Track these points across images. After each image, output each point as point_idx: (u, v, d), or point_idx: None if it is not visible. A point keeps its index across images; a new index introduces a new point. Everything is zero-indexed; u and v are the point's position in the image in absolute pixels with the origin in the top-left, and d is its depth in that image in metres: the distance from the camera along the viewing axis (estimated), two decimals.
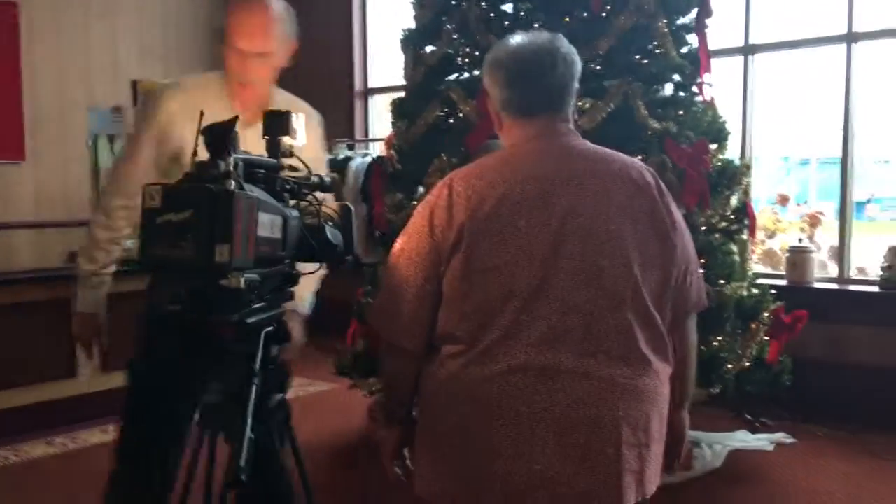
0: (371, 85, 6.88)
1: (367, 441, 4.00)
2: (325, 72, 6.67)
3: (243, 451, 1.28)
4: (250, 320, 1.43)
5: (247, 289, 1.31)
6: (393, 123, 3.93)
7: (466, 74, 3.74)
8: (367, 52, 6.85)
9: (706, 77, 3.46)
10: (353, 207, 1.73)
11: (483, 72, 1.66)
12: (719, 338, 3.27)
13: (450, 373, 1.54)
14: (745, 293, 3.44)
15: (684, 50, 3.46)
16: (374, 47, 6.86)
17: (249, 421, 1.34)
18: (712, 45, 3.54)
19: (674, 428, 1.70)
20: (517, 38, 1.64)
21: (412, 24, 3.88)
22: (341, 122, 6.67)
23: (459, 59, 3.72)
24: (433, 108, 3.66)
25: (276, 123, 1.57)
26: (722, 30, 4.35)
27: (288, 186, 1.56)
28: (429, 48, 3.78)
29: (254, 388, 1.41)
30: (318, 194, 1.65)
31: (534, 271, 1.50)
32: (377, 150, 6.22)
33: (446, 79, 3.73)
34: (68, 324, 2.09)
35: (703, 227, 3.31)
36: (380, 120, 6.77)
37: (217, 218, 1.24)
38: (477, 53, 3.62)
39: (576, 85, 1.64)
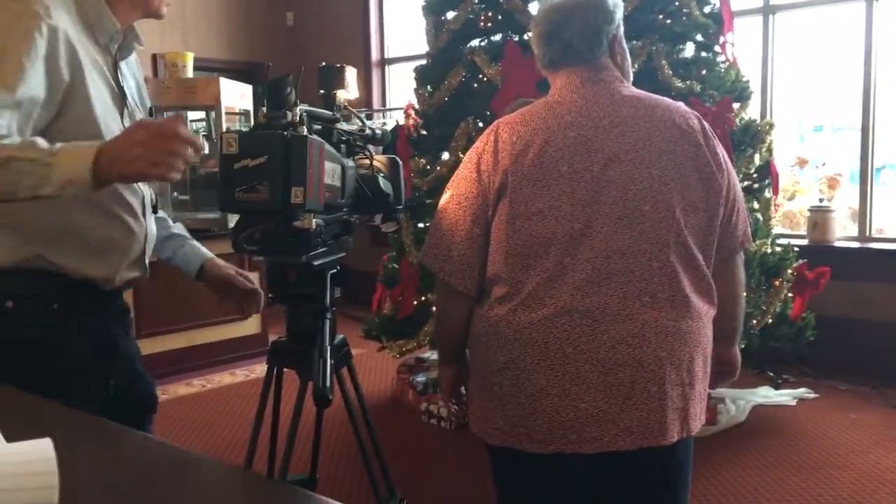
0: (388, 55, 6.90)
1: (396, 401, 4.09)
2: (342, 42, 6.71)
3: (327, 374, 1.37)
4: (316, 262, 1.50)
5: (315, 231, 1.38)
6: (416, 90, 3.97)
7: (489, 39, 3.77)
8: (383, 22, 6.86)
9: (729, 36, 3.48)
10: (400, 161, 1.79)
11: (532, 27, 1.72)
12: (743, 294, 3.31)
13: (498, 315, 1.60)
14: (768, 251, 3.48)
15: (707, 10, 3.48)
16: (390, 17, 6.86)
17: (328, 348, 1.43)
18: (734, 4, 3.56)
19: (727, 362, 1.77)
20: None
21: None
22: (360, 92, 6.70)
23: (481, 23, 3.74)
24: (457, 73, 3.70)
25: (331, 77, 1.63)
26: None
27: (344, 138, 1.63)
28: (451, 14, 3.81)
29: (327, 321, 1.50)
30: (370, 147, 1.71)
31: (576, 216, 1.55)
32: (395, 119, 6.26)
33: (469, 44, 3.76)
34: None
35: None
36: (398, 90, 6.80)
37: (291, 162, 1.30)
38: (500, 17, 3.65)
39: (610, 31, 1.67)
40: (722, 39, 3.46)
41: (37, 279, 1.46)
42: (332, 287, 1.60)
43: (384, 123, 6.28)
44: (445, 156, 3.78)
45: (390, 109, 6.66)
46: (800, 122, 5.38)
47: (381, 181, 1.67)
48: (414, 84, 4.01)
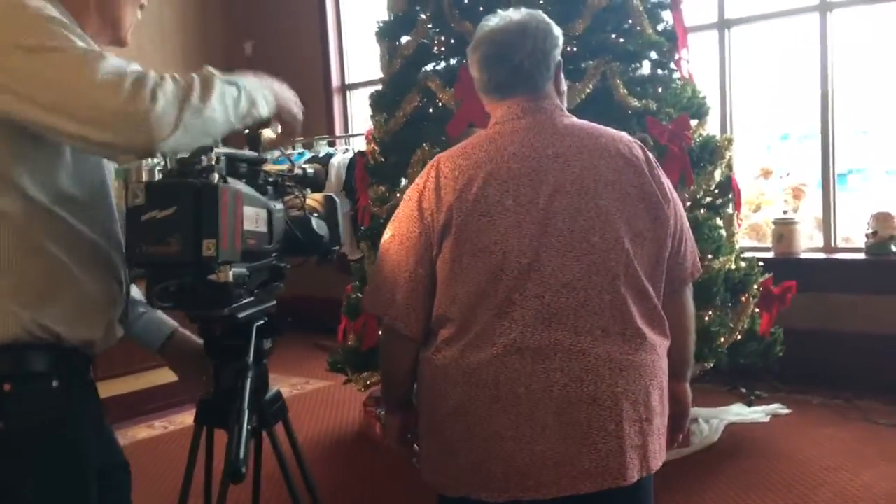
0: (349, 80, 6.85)
1: (363, 436, 3.99)
2: (302, 68, 6.65)
3: (242, 443, 1.27)
4: (241, 315, 1.42)
5: (235, 283, 1.29)
6: (372, 117, 3.91)
7: (443, 63, 3.72)
8: (342, 48, 6.83)
9: (684, 53, 3.45)
10: (337, 199, 1.72)
11: (470, 51, 1.66)
12: (710, 312, 3.27)
13: (446, 357, 1.54)
14: (733, 267, 3.44)
15: (660, 27, 3.46)
16: (350, 42, 6.82)
17: (246, 413, 1.33)
18: (687, 20, 3.54)
19: (678, 401, 1.71)
20: (494, 19, 1.63)
21: (386, 16, 3.86)
22: (320, 119, 6.65)
23: (435, 48, 3.70)
24: (412, 99, 3.64)
25: None
26: (696, 5, 4.35)
27: (271, 179, 1.55)
28: (404, 39, 3.76)
29: (248, 380, 1.40)
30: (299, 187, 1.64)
31: (524, 250, 1.49)
32: (358, 145, 6.20)
33: (423, 69, 3.71)
34: None
35: (688, 203, 3.30)
36: (360, 115, 6.75)
37: (202, 212, 1.22)
38: (452, 41, 3.60)
39: (556, 57, 1.63)
40: (677, 56, 3.44)
41: (28, 352, 1.28)
42: (261, 339, 1.51)
43: (346, 150, 6.21)
44: (404, 182, 3.71)
45: (352, 136, 6.60)
46: (766, 131, 5.39)
47: (315, 222, 1.60)
48: (369, 110, 3.95)
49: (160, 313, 1.65)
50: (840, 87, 4.51)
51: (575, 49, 3.26)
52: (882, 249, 4.25)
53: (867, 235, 4.33)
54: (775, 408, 3.94)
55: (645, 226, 1.56)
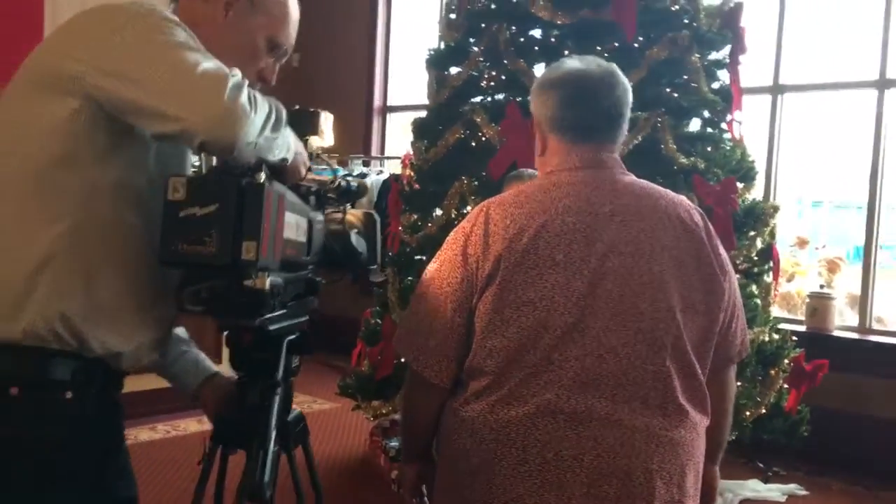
0: (390, 102, 6.84)
1: (367, 465, 3.90)
2: (346, 85, 6.64)
3: (267, 466, 1.20)
4: (272, 327, 1.32)
5: (270, 292, 1.21)
6: (413, 143, 3.87)
7: (491, 98, 3.67)
8: (388, 69, 6.81)
9: (737, 114, 3.38)
10: (377, 217, 1.65)
11: (533, 93, 1.60)
12: (738, 383, 3.16)
13: (475, 411, 1.45)
14: (766, 338, 3.34)
15: (715, 85, 3.39)
16: (395, 64, 6.82)
17: (273, 434, 1.26)
18: (744, 82, 3.47)
19: (706, 483, 1.60)
20: (574, 62, 1.58)
21: (438, 45, 3.83)
22: (357, 138, 6.62)
23: (484, 82, 3.66)
24: (455, 130, 3.58)
25: (303, 122, 1.48)
26: (752, 67, 4.29)
27: (313, 190, 1.48)
28: (454, 69, 3.72)
29: (276, 398, 1.32)
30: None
31: (569, 309, 1.41)
32: (392, 168, 6.16)
33: (470, 101, 3.66)
34: None
35: None
36: (396, 138, 6.72)
37: (245, 212, 1.15)
38: (503, 77, 3.56)
39: (628, 115, 1.57)
40: (729, 117, 3.37)
41: (46, 357, 1.23)
42: (289, 356, 1.43)
43: (380, 171, 6.18)
44: (438, 212, 3.65)
45: (388, 158, 6.56)
46: (799, 197, 5.30)
47: (354, 238, 1.53)
48: (411, 136, 3.91)
49: (202, 355, 1.59)
50: (890, 163, 4.42)
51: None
52: None
53: None
54: (793, 488, 3.80)
55: (698, 297, 1.47)
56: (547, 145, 1.58)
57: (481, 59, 3.59)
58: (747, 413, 3.16)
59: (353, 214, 1.60)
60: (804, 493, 3.77)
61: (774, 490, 3.74)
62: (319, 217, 1.48)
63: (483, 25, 3.57)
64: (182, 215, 1.15)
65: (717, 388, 1.56)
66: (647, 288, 1.44)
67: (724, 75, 3.44)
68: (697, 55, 3.27)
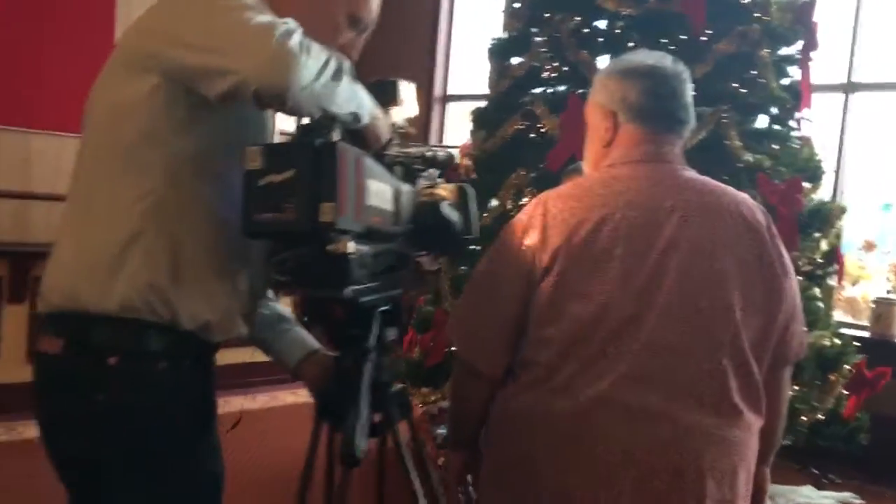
0: (451, 92, 6.83)
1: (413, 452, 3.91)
2: (407, 71, 6.65)
3: (357, 427, 1.22)
4: (363, 299, 1.29)
5: (357, 261, 1.18)
6: (471, 132, 3.86)
7: (552, 89, 3.64)
8: (450, 59, 6.81)
9: (806, 112, 3.29)
10: (470, 188, 1.58)
11: (608, 80, 1.59)
12: (795, 387, 3.09)
13: (526, 402, 1.45)
14: (827, 343, 3.25)
15: (785, 82, 3.30)
16: (457, 54, 6.80)
17: (366, 398, 1.26)
18: (815, 79, 3.37)
19: (756, 485, 1.58)
20: (645, 54, 1.59)
21: (500, 34, 3.81)
22: (417, 127, 6.64)
23: (546, 72, 3.62)
24: (514, 121, 3.56)
25: (383, 93, 1.45)
26: (824, 64, 4.16)
27: (399, 160, 1.44)
28: (515, 59, 3.70)
29: (368, 365, 1.31)
30: (432, 171, 1.54)
31: (626, 303, 1.41)
32: None
33: (531, 92, 3.63)
34: None
35: None
36: (455, 127, 6.71)
37: (321, 174, 1.12)
38: (566, 68, 3.52)
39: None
40: (798, 115, 3.28)
41: (142, 328, 1.28)
42: (383, 327, 1.41)
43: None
44: (494, 203, 3.64)
45: (447, 147, 6.56)
46: (868, 200, 5.14)
47: (446, 208, 1.47)
48: (469, 126, 3.90)
49: (304, 332, 1.60)
50: None
51: (693, 93, 3.14)
52: None
53: None
54: (847, 496, 3.70)
55: (758, 297, 1.45)
56: (616, 135, 1.55)
57: (543, 49, 3.56)
58: (804, 418, 3.08)
59: (444, 187, 1.54)
60: (859, 501, 3.67)
61: (828, 498, 3.65)
62: (407, 187, 1.43)
63: (547, 15, 3.53)
64: (261, 184, 1.14)
65: (772, 388, 1.54)
66: (706, 285, 1.42)
67: (794, 72, 3.34)
68: (767, 50, 3.18)
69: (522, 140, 3.57)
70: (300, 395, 4.58)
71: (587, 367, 1.41)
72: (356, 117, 1.30)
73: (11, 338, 4.31)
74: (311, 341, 1.59)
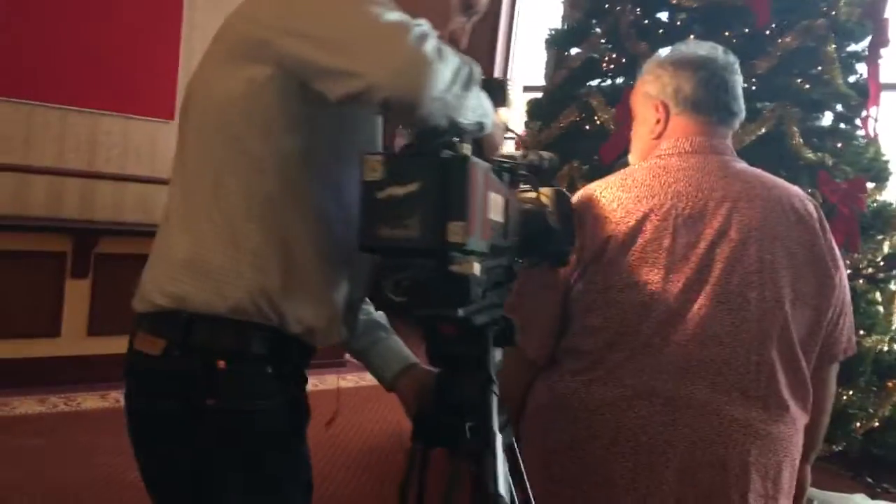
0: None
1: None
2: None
3: (499, 473, 1.12)
4: (478, 319, 1.19)
5: (475, 279, 1.10)
6: (526, 123, 3.84)
7: (609, 81, 3.60)
8: (510, 49, 6.78)
9: (873, 111, 3.19)
10: (567, 194, 1.50)
11: (660, 70, 1.57)
12: (850, 392, 3.02)
13: (569, 388, 1.46)
14: (885, 348, 3.16)
15: (851, 79, 3.21)
16: (517, 45, 6.78)
17: (498, 435, 1.16)
18: (884, 77, 3.27)
19: (798, 481, 1.56)
20: (695, 45, 1.58)
21: (559, 24, 3.78)
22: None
23: (604, 64, 3.58)
24: (570, 113, 3.54)
25: (491, 93, 1.35)
26: (894, 62, 4.02)
27: (506, 165, 1.35)
28: (574, 50, 3.67)
29: (494, 396, 1.21)
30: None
31: (674, 294, 1.40)
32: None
33: (588, 83, 3.60)
34: None
35: (849, 272, 3.05)
36: (512, 118, 6.69)
37: (449, 189, 1.04)
38: (624, 60, 3.48)
39: None
40: (864, 113, 3.18)
41: (251, 331, 1.22)
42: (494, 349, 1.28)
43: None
44: None
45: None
46: None
47: (549, 218, 1.40)
48: (524, 117, 3.88)
49: (400, 343, 1.50)
50: None
51: (754, 88, 3.07)
52: None
53: None
54: None
55: (809, 290, 1.44)
56: (668, 126, 1.54)
57: (602, 40, 3.52)
58: (858, 424, 3.01)
59: (542, 193, 1.46)
60: None
61: None
62: (512, 196, 1.35)
63: (607, 6, 3.50)
64: (380, 196, 1.05)
65: (818, 384, 1.52)
66: (756, 277, 1.41)
67: (861, 68, 3.24)
68: (834, 45, 3.09)
69: (577, 132, 3.54)
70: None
71: (632, 357, 1.41)
72: (481, 126, 1.21)
73: (73, 313, 4.47)
74: (409, 354, 1.49)
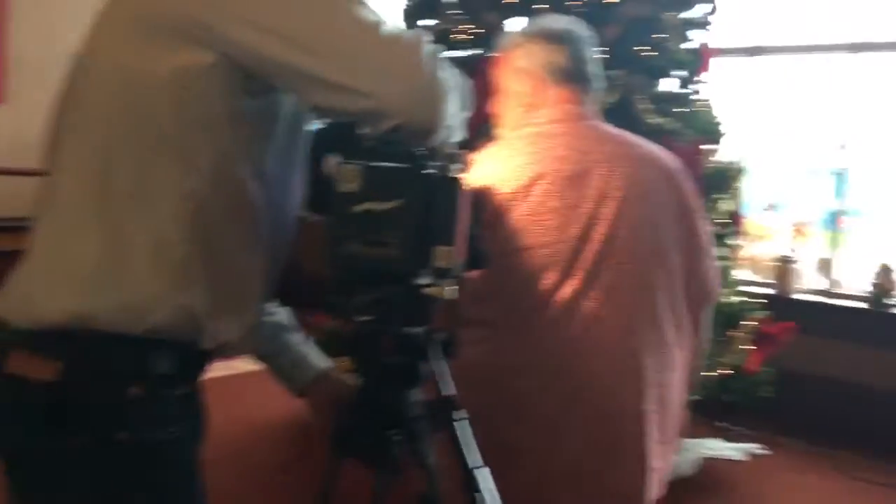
0: None
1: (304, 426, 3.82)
2: None
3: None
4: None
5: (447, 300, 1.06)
6: None
7: (465, 52, 3.61)
8: None
9: (706, 76, 3.37)
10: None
11: (528, 44, 1.62)
12: (705, 350, 3.19)
13: (471, 359, 1.47)
14: (730, 300, 3.36)
15: (688, 46, 3.36)
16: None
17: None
18: (717, 43, 3.45)
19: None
20: (557, 20, 1.68)
21: None
22: None
23: (458, 35, 3.59)
24: None
25: None
26: (728, 29, 4.26)
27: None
28: (428, 22, 3.66)
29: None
30: None
31: (565, 254, 1.45)
32: None
33: (444, 55, 3.60)
34: None
35: None
36: None
37: (438, 212, 0.99)
38: (477, 31, 3.49)
39: None
40: (699, 78, 3.35)
41: (164, 350, 1.06)
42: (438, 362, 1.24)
43: None
44: None
45: None
46: (773, 162, 5.31)
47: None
48: None
49: (311, 346, 1.38)
50: (861, 129, 4.44)
51: (603, 56, 3.16)
52: (884, 301, 4.17)
53: (873, 285, 4.25)
54: (754, 447, 3.86)
55: (681, 235, 1.54)
56: (541, 97, 1.59)
57: (453, 11, 3.53)
58: (711, 373, 3.19)
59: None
60: (765, 452, 3.84)
61: (735, 449, 3.80)
62: None
63: None
64: (356, 210, 0.98)
65: (694, 329, 1.61)
66: (636, 231, 1.48)
67: (697, 35, 3.40)
68: (672, 13, 3.23)
69: None
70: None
71: (529, 319, 1.46)
72: (454, 139, 1.14)
73: None
74: (322, 358, 1.37)
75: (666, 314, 1.51)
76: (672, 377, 1.51)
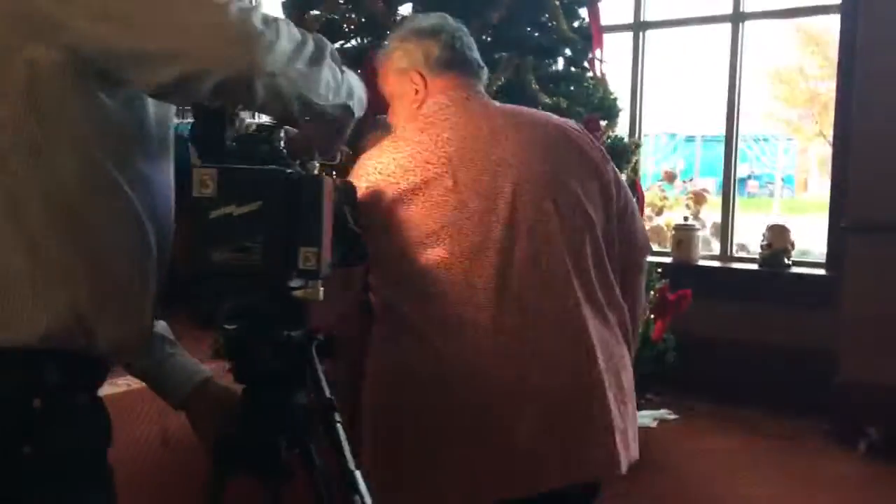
0: None
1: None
2: None
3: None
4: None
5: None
6: None
7: (353, 42, 3.55)
8: None
9: (597, 53, 3.40)
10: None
11: (402, 45, 1.62)
12: (642, 313, 3.24)
13: (400, 351, 1.47)
14: None
15: (576, 24, 3.39)
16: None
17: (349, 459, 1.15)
18: (604, 20, 3.49)
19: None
20: (423, 18, 1.69)
21: None
22: None
23: (345, 25, 3.52)
24: None
25: None
26: (613, 5, 4.33)
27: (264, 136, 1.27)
28: (313, 12, 3.57)
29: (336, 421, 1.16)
30: None
31: (473, 229, 1.44)
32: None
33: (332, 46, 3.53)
34: None
35: None
36: None
37: (300, 212, 0.95)
38: (364, 20, 3.44)
39: None
40: (590, 55, 3.38)
41: (61, 360, 1.03)
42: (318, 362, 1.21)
43: None
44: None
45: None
46: (672, 133, 5.45)
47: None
48: None
49: (188, 356, 1.34)
50: (747, 95, 4.59)
51: (489, 40, 3.16)
52: (776, 261, 4.34)
53: (762, 247, 4.42)
54: (663, 413, 3.98)
55: (593, 188, 1.53)
56: (426, 91, 1.58)
57: (341, 1, 3.46)
58: None
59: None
60: (673, 416, 3.96)
61: (646, 416, 3.89)
62: None
63: None
64: (214, 216, 0.95)
65: (627, 292, 1.62)
66: (543, 190, 1.47)
67: (585, 14, 3.43)
68: None
69: None
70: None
71: (451, 303, 1.43)
72: (347, 109, 1.10)
73: None
74: (200, 368, 1.34)
75: (594, 272, 1.51)
76: (610, 337, 1.51)
